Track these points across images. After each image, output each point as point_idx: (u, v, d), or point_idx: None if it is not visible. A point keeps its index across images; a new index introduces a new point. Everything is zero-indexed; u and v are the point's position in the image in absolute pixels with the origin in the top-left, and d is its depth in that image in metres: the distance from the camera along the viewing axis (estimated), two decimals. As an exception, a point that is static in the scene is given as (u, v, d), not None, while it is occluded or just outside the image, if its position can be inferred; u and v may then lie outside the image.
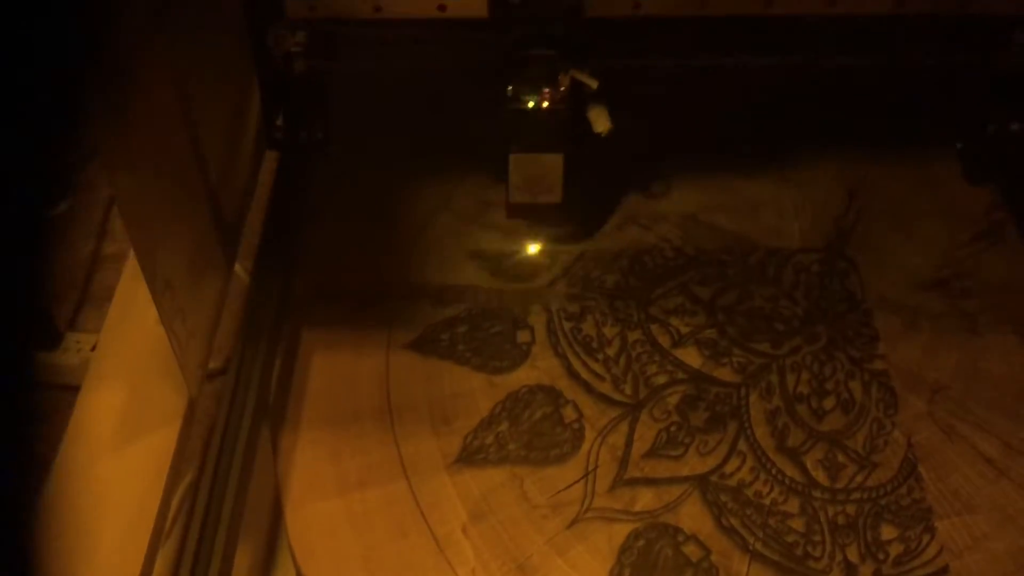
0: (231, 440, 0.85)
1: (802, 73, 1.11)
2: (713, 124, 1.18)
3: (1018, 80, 1.02)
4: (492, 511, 0.89)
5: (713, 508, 0.89)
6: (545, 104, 0.94)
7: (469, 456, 0.93)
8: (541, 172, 0.99)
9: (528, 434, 0.95)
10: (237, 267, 1.01)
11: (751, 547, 0.87)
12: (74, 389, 0.98)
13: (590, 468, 0.92)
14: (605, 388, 0.98)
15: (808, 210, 1.14)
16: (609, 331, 1.03)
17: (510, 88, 0.95)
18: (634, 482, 0.91)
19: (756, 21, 0.97)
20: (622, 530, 0.88)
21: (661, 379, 0.99)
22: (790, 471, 0.92)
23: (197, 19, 0.90)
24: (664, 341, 1.02)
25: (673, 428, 0.95)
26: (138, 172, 0.77)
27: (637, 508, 0.90)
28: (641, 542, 0.87)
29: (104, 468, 0.86)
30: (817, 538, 0.88)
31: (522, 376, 0.99)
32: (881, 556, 0.86)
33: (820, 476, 0.92)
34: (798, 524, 0.88)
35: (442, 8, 0.94)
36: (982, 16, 0.96)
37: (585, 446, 0.94)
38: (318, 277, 1.07)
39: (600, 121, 0.97)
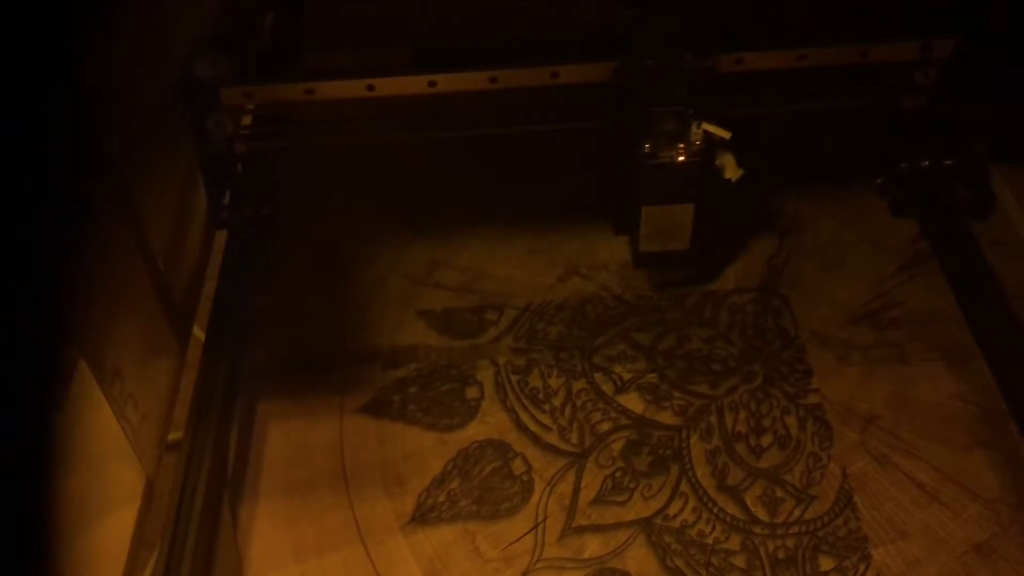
0: (186, 516, 0.88)
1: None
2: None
3: (923, 119, 1.07)
4: (446, 568, 0.92)
5: (658, 550, 0.93)
6: (681, 158, 0.98)
7: (422, 515, 0.96)
8: (673, 222, 1.04)
9: (479, 489, 0.98)
10: (196, 330, 1.05)
11: (696, 587, 0.90)
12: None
13: (539, 519, 0.96)
14: (552, 439, 1.02)
15: (741, 252, 1.18)
16: (555, 382, 1.07)
17: (647, 145, 0.98)
18: (582, 530, 0.95)
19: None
20: (572, 578, 0.91)
21: (605, 426, 1.03)
22: (731, 509, 0.95)
23: (135, 108, 0.94)
24: (608, 388, 1.06)
25: (618, 474, 0.99)
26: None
27: (585, 555, 0.93)
28: (590, 589, 0.90)
29: (64, 552, 0.88)
30: (758, 573, 0.91)
31: (472, 432, 1.03)
32: (820, 587, 0.90)
33: (760, 512, 0.95)
34: (740, 561, 0.92)
35: (494, 80, 0.99)
36: (883, 63, 1.02)
37: (534, 497, 0.97)
38: (272, 348, 1.11)
39: (730, 168, 1.00)
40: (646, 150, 0.98)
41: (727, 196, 1.02)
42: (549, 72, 0.99)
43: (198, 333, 1.09)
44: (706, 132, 0.98)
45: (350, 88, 0.99)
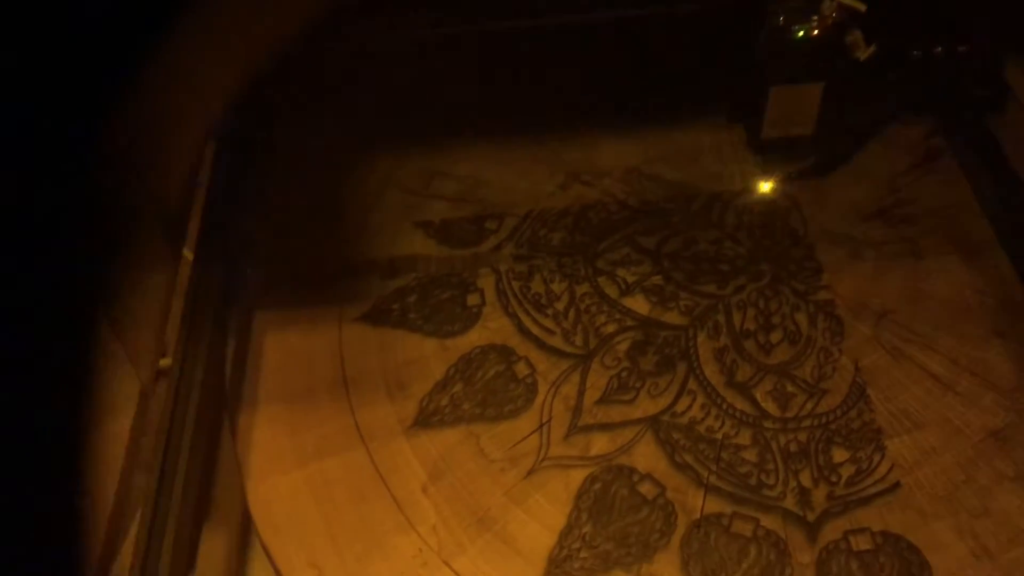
0: (181, 422, 0.86)
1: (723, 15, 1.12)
2: (645, 76, 1.19)
3: (938, 3, 1.03)
4: (450, 469, 0.90)
5: (666, 447, 0.91)
6: (816, 32, 0.93)
7: (425, 419, 0.94)
8: (799, 104, 0.99)
9: (482, 392, 0.96)
10: (185, 252, 1.02)
11: (705, 481, 0.88)
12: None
13: (544, 420, 0.93)
14: (556, 342, 0.99)
15: (747, 152, 1.15)
16: (557, 287, 1.04)
17: (781, 18, 0.93)
18: (588, 428, 0.92)
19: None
20: (578, 476, 0.89)
21: (610, 328, 1.00)
22: (740, 405, 0.93)
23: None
24: (612, 292, 1.03)
25: (624, 373, 0.96)
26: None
27: (592, 453, 0.91)
28: (597, 485, 0.88)
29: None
30: (770, 466, 0.89)
31: (474, 338, 1.00)
32: (834, 479, 0.88)
33: (770, 407, 0.93)
34: (751, 455, 0.90)
35: None
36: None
37: (539, 399, 0.95)
38: (267, 261, 1.08)
39: (860, 46, 0.95)
40: (780, 23, 0.93)
41: (855, 77, 0.96)
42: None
43: (188, 255, 1.06)
44: (840, 4, 0.93)
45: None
